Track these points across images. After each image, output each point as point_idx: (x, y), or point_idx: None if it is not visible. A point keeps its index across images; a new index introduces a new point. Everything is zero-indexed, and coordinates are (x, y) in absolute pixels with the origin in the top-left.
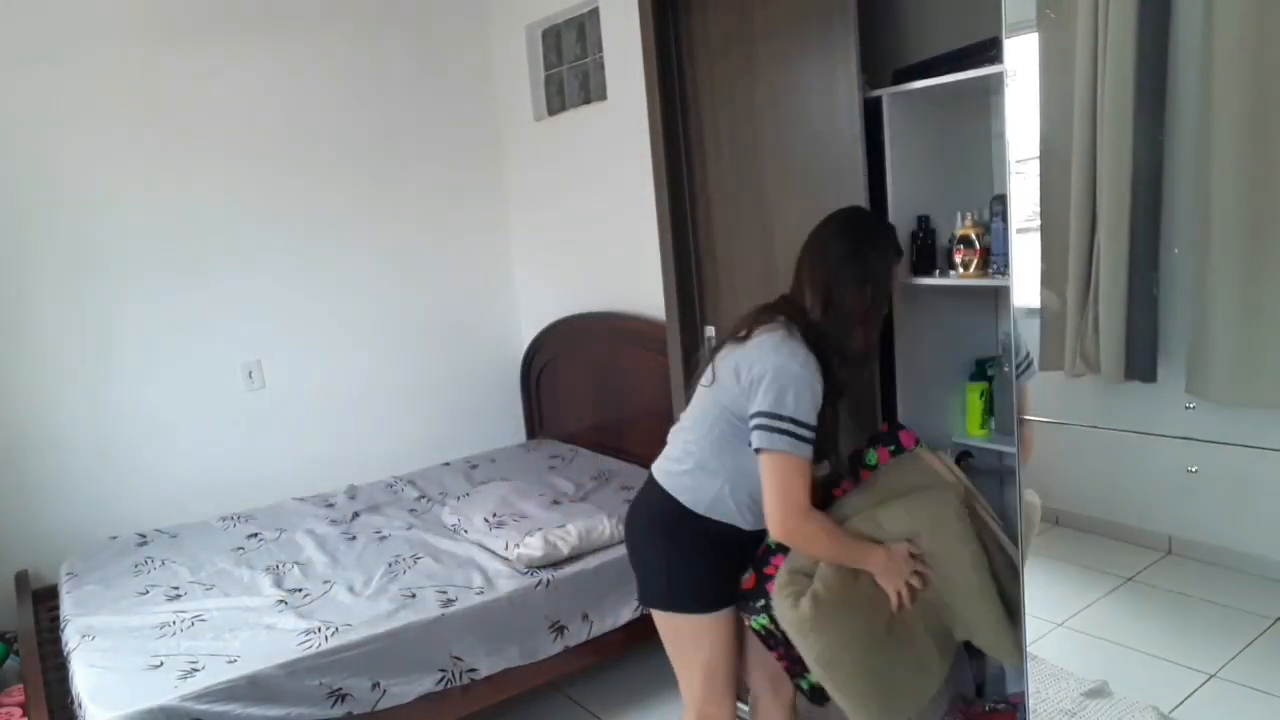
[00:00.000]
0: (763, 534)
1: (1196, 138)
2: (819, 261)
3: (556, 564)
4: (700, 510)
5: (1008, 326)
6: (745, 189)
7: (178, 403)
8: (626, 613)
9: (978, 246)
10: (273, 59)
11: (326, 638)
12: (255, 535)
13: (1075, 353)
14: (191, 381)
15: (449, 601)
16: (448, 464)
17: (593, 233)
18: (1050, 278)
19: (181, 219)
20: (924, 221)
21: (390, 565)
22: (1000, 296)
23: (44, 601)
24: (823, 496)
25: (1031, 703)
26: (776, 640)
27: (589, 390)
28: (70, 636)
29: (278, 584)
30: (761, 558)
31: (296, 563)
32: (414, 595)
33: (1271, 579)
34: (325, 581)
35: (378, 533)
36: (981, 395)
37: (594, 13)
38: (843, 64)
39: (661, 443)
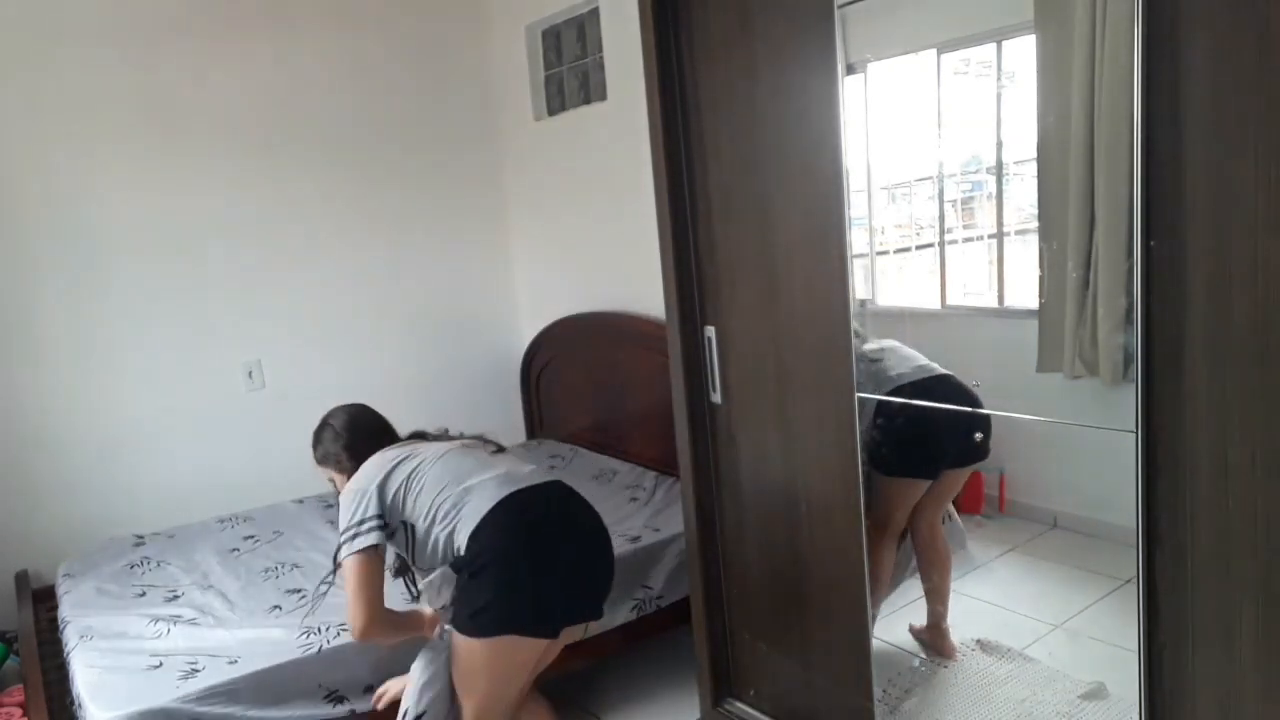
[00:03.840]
0: None
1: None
2: None
3: None
4: None
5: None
6: (745, 189)
7: (178, 403)
8: (624, 613)
9: None
10: (272, 59)
11: (328, 640)
12: (252, 537)
13: (1074, 354)
14: (191, 381)
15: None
16: None
17: (593, 233)
18: (1049, 280)
19: (181, 219)
20: None
21: (390, 566)
22: None
23: (44, 601)
24: None
25: (1027, 705)
26: None
27: (589, 390)
28: (69, 637)
29: (276, 585)
30: None
31: (295, 564)
32: (415, 599)
33: None
34: (324, 582)
35: None
36: None
37: (594, 13)
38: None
39: (662, 442)
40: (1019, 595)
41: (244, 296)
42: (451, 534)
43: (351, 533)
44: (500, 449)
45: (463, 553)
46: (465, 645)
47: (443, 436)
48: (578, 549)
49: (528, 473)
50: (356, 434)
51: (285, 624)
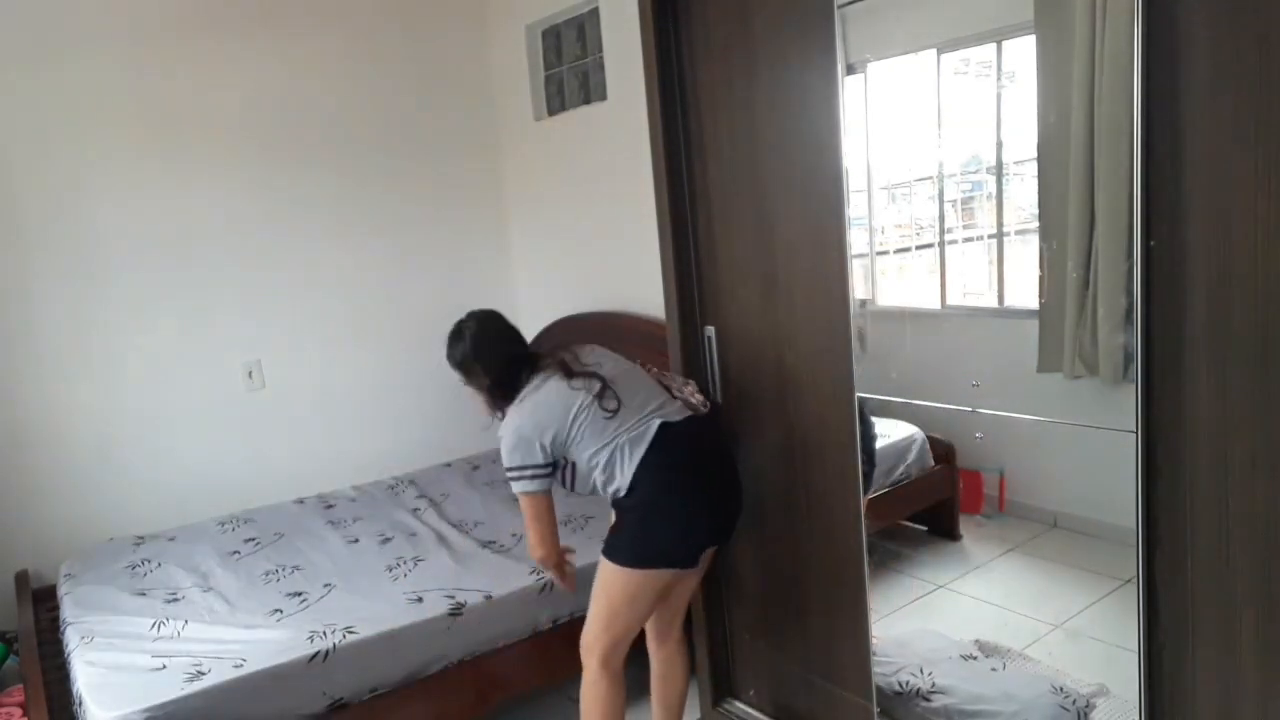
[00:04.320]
0: None
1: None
2: None
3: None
4: None
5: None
6: (745, 189)
7: (178, 403)
8: None
9: None
10: (272, 60)
11: (334, 644)
12: (253, 539)
13: (1074, 354)
14: (191, 381)
15: (455, 605)
16: (449, 465)
17: (592, 233)
18: (1049, 280)
19: (181, 219)
20: None
21: (391, 569)
22: None
23: (44, 601)
24: None
25: (1025, 705)
26: None
27: None
28: (71, 638)
29: (278, 588)
30: None
31: (296, 566)
32: (420, 600)
33: None
34: (325, 585)
35: (380, 534)
36: None
37: (594, 13)
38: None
39: None
40: (1019, 595)
41: (244, 297)
42: (610, 479)
43: (517, 474)
44: (641, 378)
45: (623, 495)
46: (624, 577)
47: (572, 365)
48: (719, 483)
49: (676, 407)
50: (493, 359)
51: (288, 627)
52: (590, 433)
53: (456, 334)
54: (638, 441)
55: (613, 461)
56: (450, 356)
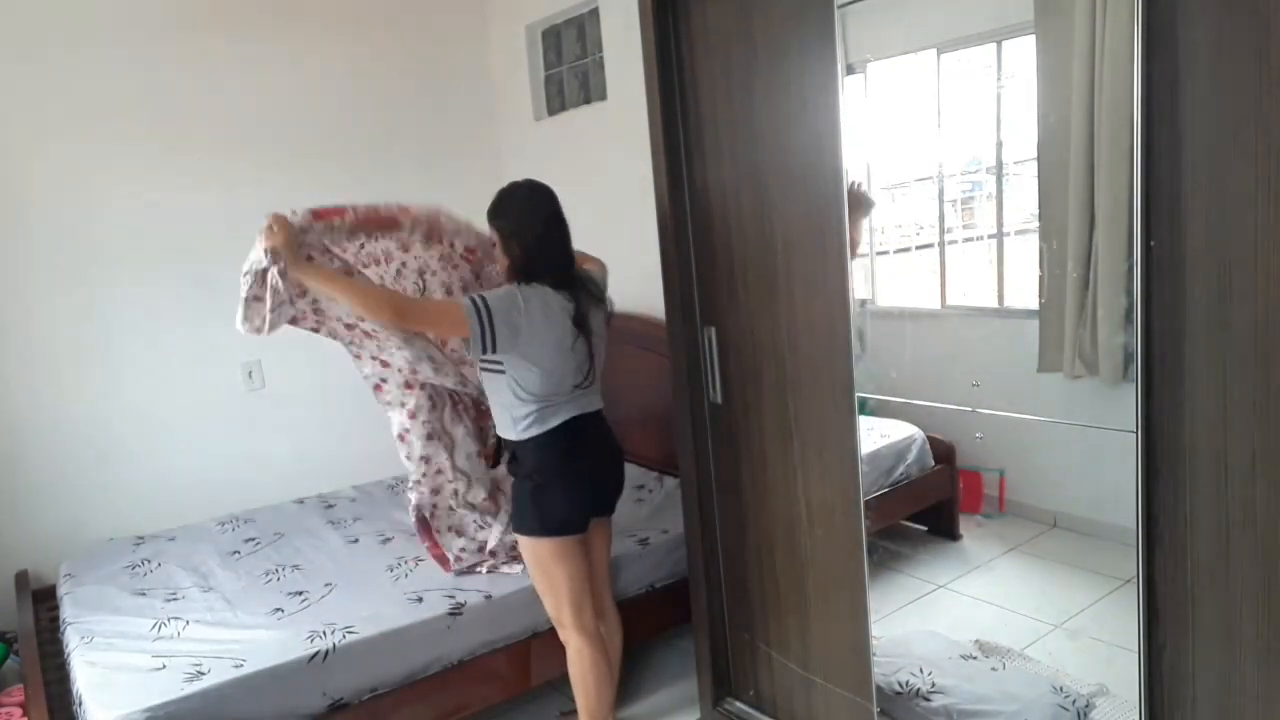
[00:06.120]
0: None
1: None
2: None
3: None
4: None
5: None
6: (745, 189)
7: (178, 403)
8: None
9: None
10: (272, 59)
11: (334, 644)
12: (253, 539)
13: (1074, 354)
14: (191, 381)
15: (455, 605)
16: None
17: (593, 233)
18: (1049, 280)
19: (180, 218)
20: None
21: (392, 569)
22: None
23: (44, 601)
24: None
25: (1026, 705)
26: None
27: None
28: (71, 638)
29: (278, 587)
30: None
31: (295, 566)
32: (420, 599)
33: None
34: (326, 584)
35: (380, 534)
36: None
37: (594, 13)
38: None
39: (663, 442)
40: (1019, 595)
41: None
42: (508, 411)
43: (476, 308)
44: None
45: (514, 450)
46: (541, 546)
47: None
48: (612, 467)
49: (593, 398)
50: (535, 250)
51: (288, 627)
52: (547, 377)
53: (528, 191)
54: (549, 417)
55: (527, 411)
56: (498, 209)
